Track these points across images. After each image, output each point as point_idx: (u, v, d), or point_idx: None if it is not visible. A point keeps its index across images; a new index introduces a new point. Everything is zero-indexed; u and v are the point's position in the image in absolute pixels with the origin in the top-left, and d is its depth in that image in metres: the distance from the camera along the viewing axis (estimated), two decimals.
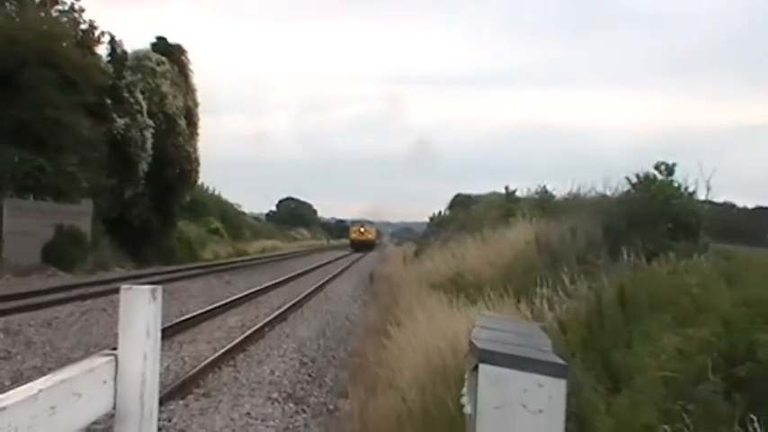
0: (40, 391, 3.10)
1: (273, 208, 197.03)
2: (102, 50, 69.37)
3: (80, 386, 3.37)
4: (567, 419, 7.24)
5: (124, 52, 70.14)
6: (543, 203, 34.02)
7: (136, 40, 73.92)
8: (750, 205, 26.42)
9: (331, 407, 17.52)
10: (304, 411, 17.51)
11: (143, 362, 3.61)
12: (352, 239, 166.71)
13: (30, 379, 3.31)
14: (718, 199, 22.67)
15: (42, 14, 65.71)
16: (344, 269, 68.75)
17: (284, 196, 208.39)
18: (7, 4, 63.39)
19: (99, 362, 3.52)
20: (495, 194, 48.69)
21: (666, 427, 7.39)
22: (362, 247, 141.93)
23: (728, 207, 23.93)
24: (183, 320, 28.53)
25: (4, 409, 2.78)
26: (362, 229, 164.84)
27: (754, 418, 6.65)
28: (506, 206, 39.71)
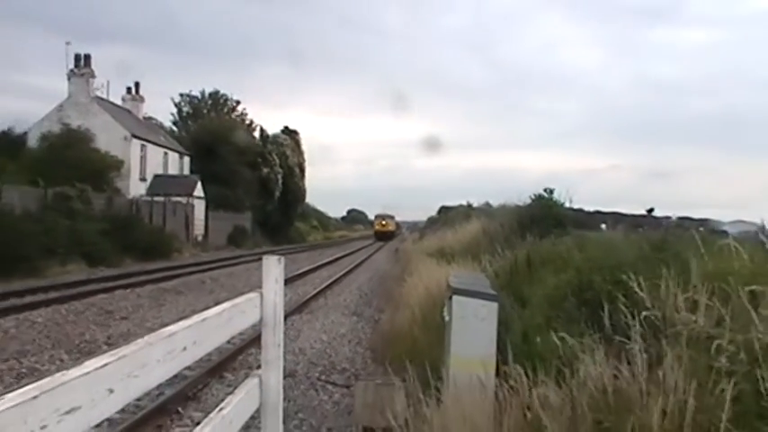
0: (224, 310, 3.20)
1: (344, 214, 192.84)
2: (256, 133, 70.56)
3: (243, 307, 3.46)
4: (498, 324, 7.29)
5: (267, 135, 71.70)
6: (487, 210, 33.90)
7: (273, 128, 74.04)
8: (591, 210, 26.53)
9: (376, 317, 17.55)
10: (361, 320, 17.58)
11: (274, 295, 3.69)
12: (375, 231, 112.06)
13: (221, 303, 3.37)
14: (576, 206, 22.54)
15: (227, 117, 67.77)
16: (380, 248, 68.36)
17: (350, 208, 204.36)
18: (211, 114, 66.08)
19: (253, 295, 3.61)
20: (461, 206, 48.28)
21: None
22: (384, 237, 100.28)
23: (580, 211, 23.79)
24: (298, 274, 28.51)
25: (205, 319, 2.87)
26: (384, 222, 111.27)
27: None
28: (467, 212, 39.49)
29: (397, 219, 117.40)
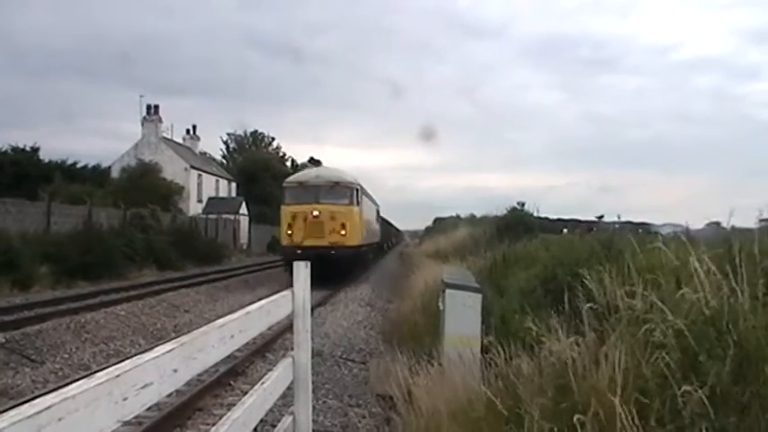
0: (264, 304, 3.23)
1: None
2: (288, 163, 70.21)
3: (279, 303, 3.49)
4: (482, 310, 7.28)
5: (297, 164, 70.98)
6: (472, 220, 33.78)
7: (301, 158, 73.69)
8: (554, 218, 26.37)
9: (385, 307, 17.49)
10: (374, 309, 17.52)
11: (303, 292, 3.71)
12: (285, 246, 21.27)
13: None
14: (542, 216, 22.46)
15: (265, 151, 67.05)
16: (390, 253, 67.50)
17: None
18: (252, 148, 65.04)
19: (286, 292, 3.64)
20: (452, 217, 48.14)
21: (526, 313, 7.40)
22: (328, 268, 17.41)
23: (546, 219, 23.67)
24: None
25: (248, 312, 2.91)
26: (316, 213, 20.01)
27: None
28: (456, 222, 39.39)
29: (398, 224, 68.44)
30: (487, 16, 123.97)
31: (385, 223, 42.76)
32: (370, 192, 28.13)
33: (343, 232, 20.84)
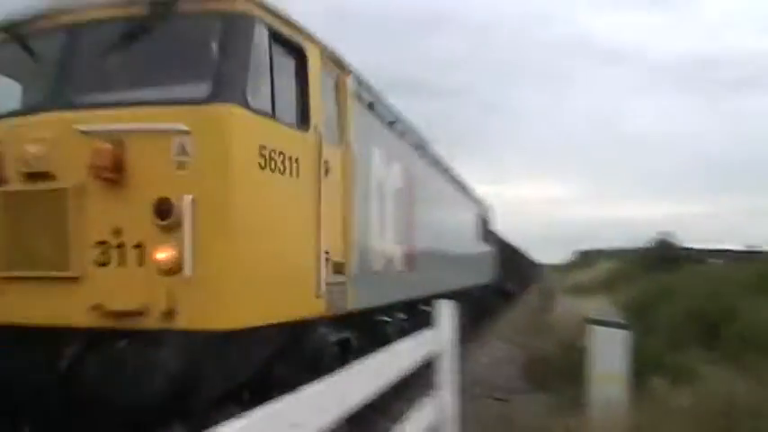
0: (408, 344, 3.25)
1: None
2: None
3: (422, 341, 3.51)
4: (630, 346, 7.05)
5: None
6: (616, 252, 32.64)
7: None
8: (701, 248, 24.22)
9: (526, 343, 16.94)
10: (514, 346, 17.02)
11: (448, 331, 3.71)
12: None
13: None
14: (689, 245, 21.20)
15: None
16: (525, 297, 64.72)
17: None
18: None
19: (430, 332, 3.63)
20: (594, 250, 46.66)
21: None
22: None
23: (692, 249, 22.13)
24: None
25: (395, 352, 2.93)
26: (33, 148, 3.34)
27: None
28: (598, 255, 38.19)
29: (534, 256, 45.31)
30: (623, 41, 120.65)
31: (506, 248, 22.28)
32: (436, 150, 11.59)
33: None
